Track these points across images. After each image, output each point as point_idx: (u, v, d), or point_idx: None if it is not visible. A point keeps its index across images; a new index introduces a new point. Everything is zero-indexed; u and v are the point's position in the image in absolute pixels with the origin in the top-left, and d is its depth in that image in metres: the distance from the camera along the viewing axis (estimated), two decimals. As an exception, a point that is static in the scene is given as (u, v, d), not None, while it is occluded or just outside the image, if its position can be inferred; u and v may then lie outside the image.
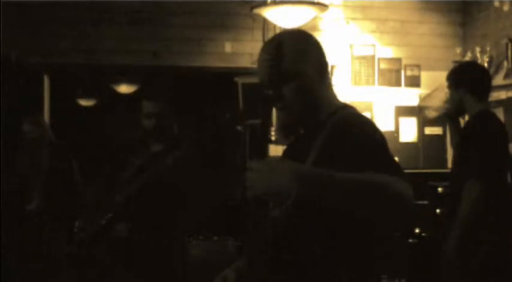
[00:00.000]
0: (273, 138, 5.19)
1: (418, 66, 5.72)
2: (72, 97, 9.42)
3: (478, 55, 5.38)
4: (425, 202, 5.01)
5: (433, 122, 5.65)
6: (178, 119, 3.61)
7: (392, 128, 5.60)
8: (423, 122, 5.68)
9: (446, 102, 4.08)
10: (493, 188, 3.57)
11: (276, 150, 5.00)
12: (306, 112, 1.90)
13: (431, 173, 5.31)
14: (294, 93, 1.88)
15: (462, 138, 3.76)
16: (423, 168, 5.54)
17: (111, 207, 3.39)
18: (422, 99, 5.63)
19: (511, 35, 5.10)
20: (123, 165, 3.56)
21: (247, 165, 1.70)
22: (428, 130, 5.67)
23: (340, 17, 5.68)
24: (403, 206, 1.67)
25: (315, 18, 5.18)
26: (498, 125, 3.73)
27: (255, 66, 2.05)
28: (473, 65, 4.38)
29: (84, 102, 9.68)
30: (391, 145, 1.86)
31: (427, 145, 5.65)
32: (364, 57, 5.64)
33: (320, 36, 5.57)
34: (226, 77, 5.70)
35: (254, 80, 3.03)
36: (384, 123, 5.51)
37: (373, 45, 5.69)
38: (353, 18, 5.71)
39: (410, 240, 4.94)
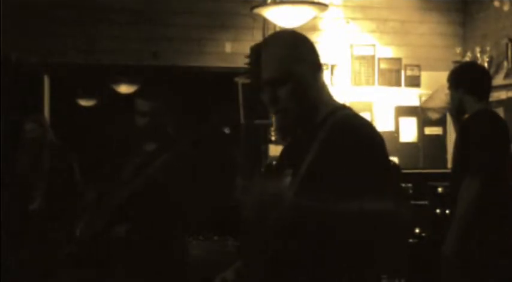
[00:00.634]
0: (273, 138, 5.19)
1: (418, 66, 5.72)
2: (72, 97, 9.42)
3: (478, 55, 5.38)
4: (425, 202, 5.01)
5: (433, 122, 5.65)
6: (174, 118, 3.58)
7: (392, 128, 5.59)
8: (423, 122, 5.68)
9: (448, 103, 4.10)
10: (492, 186, 3.57)
11: (276, 150, 5.02)
12: (301, 114, 1.90)
13: (431, 173, 5.31)
14: (288, 95, 1.87)
15: (459, 137, 3.77)
16: (423, 168, 5.54)
17: (110, 208, 3.39)
18: (424, 101, 5.63)
19: (511, 35, 5.10)
20: (121, 165, 3.56)
21: (245, 186, 1.72)
22: (428, 130, 5.67)
23: (340, 16, 5.68)
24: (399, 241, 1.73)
25: (315, 18, 5.18)
26: (496, 124, 3.73)
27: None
28: (472, 65, 4.38)
29: (84, 102, 9.68)
30: (391, 145, 1.87)
31: (427, 145, 5.65)
32: (364, 57, 5.64)
33: (320, 36, 5.57)
34: (226, 77, 5.69)
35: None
36: (384, 123, 5.51)
37: (373, 45, 5.69)
38: (353, 18, 5.71)
39: (411, 240, 4.94)
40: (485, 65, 5.23)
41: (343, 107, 1.96)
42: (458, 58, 5.56)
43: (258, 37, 5.36)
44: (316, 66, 1.93)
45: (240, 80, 5.36)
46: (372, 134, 1.84)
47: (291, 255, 1.81)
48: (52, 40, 5.23)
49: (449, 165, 4.28)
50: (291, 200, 1.68)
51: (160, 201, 3.33)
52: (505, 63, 5.12)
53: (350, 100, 5.37)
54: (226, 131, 5.96)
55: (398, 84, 5.68)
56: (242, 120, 5.37)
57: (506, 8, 5.15)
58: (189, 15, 5.44)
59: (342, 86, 5.48)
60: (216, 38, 5.47)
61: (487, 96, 3.82)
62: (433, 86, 5.58)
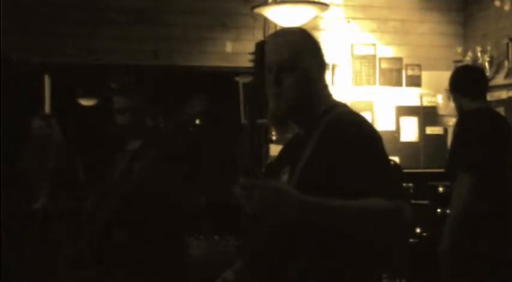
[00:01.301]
0: (273, 138, 5.19)
1: (419, 66, 5.71)
2: (73, 97, 9.42)
3: (479, 55, 5.38)
4: (425, 202, 5.02)
5: (433, 122, 5.66)
6: (155, 109, 3.44)
7: (393, 127, 5.58)
8: (424, 122, 5.67)
9: None
10: (488, 183, 3.59)
11: (276, 150, 5.01)
12: (298, 105, 1.90)
13: (432, 173, 5.30)
14: (292, 83, 1.88)
15: (453, 135, 3.85)
16: (424, 168, 5.53)
17: (109, 210, 3.36)
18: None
19: (512, 35, 5.11)
20: (110, 166, 3.50)
21: (240, 182, 1.70)
22: (429, 130, 5.66)
23: (341, 16, 5.68)
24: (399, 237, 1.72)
25: (315, 18, 5.18)
26: (489, 121, 3.78)
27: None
28: (466, 70, 4.27)
29: (84, 102, 9.68)
30: (392, 145, 1.88)
31: (428, 145, 5.65)
32: (364, 57, 5.63)
33: (321, 36, 5.56)
34: (227, 76, 5.69)
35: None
36: (384, 122, 5.50)
37: (374, 44, 5.69)
38: (354, 18, 5.71)
39: (411, 240, 4.94)
40: (486, 64, 5.23)
41: (340, 105, 1.97)
42: (459, 58, 5.56)
43: (258, 37, 5.35)
44: (323, 65, 1.97)
45: (241, 80, 5.35)
46: (369, 130, 1.85)
47: (291, 253, 1.80)
48: (52, 40, 5.22)
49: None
50: (291, 197, 1.68)
51: (155, 204, 3.29)
52: (506, 63, 5.12)
53: (351, 100, 5.37)
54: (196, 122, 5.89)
55: (399, 83, 5.67)
56: (243, 120, 5.37)
57: (507, 7, 5.15)
58: (190, 14, 5.43)
59: (343, 85, 5.47)
60: (216, 38, 5.46)
61: (483, 97, 3.91)
62: (433, 86, 5.58)
